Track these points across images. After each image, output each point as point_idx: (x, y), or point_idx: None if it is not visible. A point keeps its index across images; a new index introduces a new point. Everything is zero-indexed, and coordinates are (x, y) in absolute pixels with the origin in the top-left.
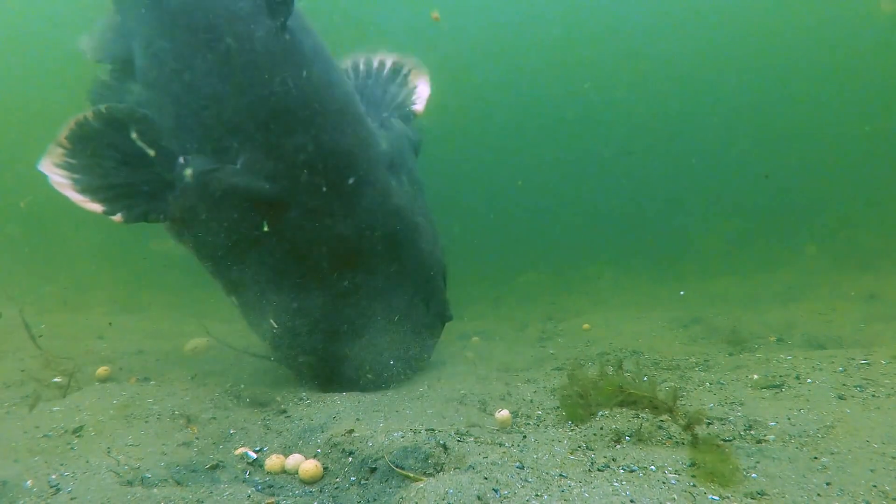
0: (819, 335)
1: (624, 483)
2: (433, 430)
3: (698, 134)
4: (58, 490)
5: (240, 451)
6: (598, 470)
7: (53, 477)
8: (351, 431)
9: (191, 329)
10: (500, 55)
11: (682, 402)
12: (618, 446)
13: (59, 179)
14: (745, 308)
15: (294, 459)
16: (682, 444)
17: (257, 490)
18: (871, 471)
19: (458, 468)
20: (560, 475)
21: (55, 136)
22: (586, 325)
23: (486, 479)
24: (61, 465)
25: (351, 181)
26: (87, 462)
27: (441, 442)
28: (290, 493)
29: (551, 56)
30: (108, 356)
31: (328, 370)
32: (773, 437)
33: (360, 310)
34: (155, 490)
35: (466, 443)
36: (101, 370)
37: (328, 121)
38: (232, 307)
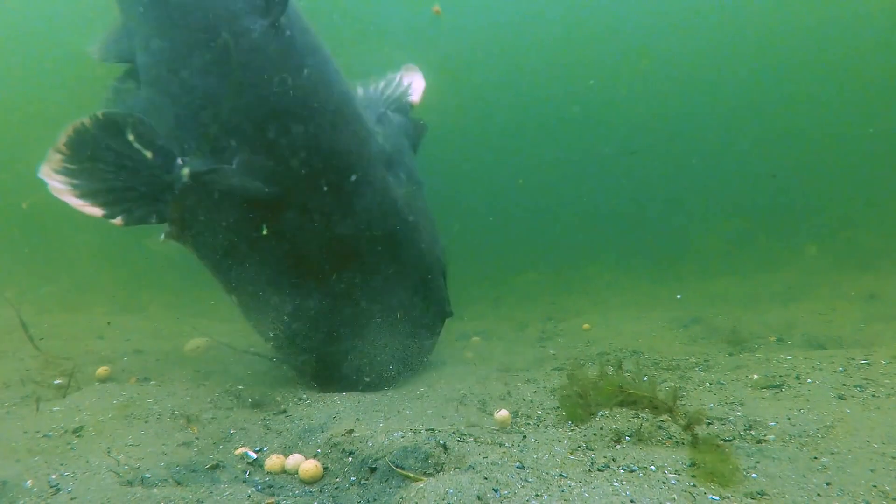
0: (819, 335)
1: (624, 483)
2: (433, 430)
3: (698, 134)
4: (58, 490)
5: (240, 451)
6: (598, 470)
7: (53, 477)
8: (351, 431)
9: (190, 329)
10: (500, 55)
11: (682, 402)
12: (618, 446)
13: (59, 185)
14: (745, 308)
15: (294, 459)
16: (682, 444)
17: (257, 490)
18: (871, 471)
19: (458, 468)
20: (560, 475)
21: (54, 141)
22: (586, 325)
23: (486, 479)
24: (61, 465)
25: (349, 180)
26: (87, 462)
27: (441, 442)
28: (290, 493)
29: (551, 56)
30: (108, 356)
31: (327, 370)
32: (773, 437)
33: (359, 310)
34: (155, 490)
35: (466, 443)
36: (101, 370)
37: (326, 120)
38: (232, 307)
